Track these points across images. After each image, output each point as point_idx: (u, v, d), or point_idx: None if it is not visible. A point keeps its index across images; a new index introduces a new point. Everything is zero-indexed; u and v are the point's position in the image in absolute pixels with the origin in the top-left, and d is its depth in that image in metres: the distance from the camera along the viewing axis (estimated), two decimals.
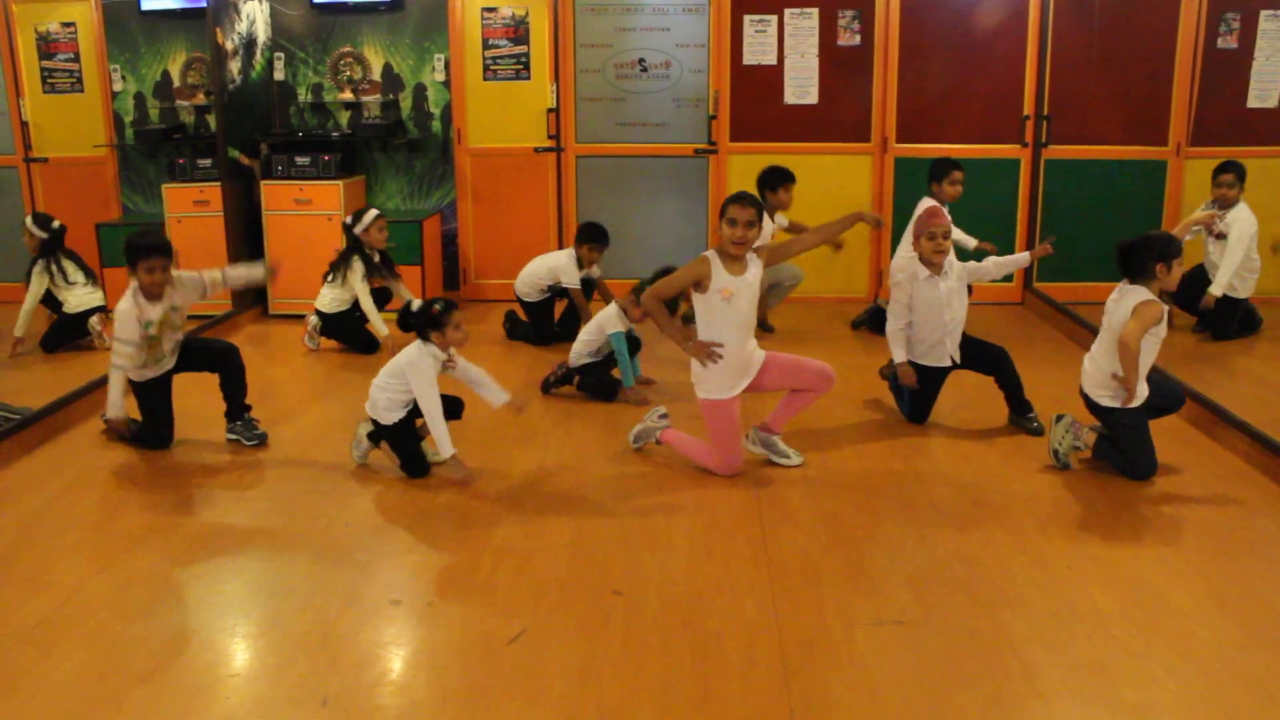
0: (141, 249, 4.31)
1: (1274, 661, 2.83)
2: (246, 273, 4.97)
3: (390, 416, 4.15)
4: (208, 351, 4.66)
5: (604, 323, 5.18)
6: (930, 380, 4.74)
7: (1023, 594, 3.20)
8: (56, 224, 6.00)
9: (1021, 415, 4.72)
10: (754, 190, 6.04)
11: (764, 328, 6.42)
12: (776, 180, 6.25)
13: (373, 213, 6.08)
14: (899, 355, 4.73)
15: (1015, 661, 2.83)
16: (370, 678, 2.79)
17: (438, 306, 4.10)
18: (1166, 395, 4.25)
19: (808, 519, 3.78)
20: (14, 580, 3.33)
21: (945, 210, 4.85)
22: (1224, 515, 3.81)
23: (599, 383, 5.17)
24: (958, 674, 2.79)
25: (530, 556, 3.48)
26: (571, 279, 6.15)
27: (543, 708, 2.66)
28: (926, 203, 5.92)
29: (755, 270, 4.06)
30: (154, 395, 4.49)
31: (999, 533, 3.65)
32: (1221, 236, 6.01)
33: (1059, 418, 4.26)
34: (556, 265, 6.20)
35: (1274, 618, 3.07)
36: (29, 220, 6.00)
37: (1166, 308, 4.02)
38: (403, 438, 4.19)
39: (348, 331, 6.09)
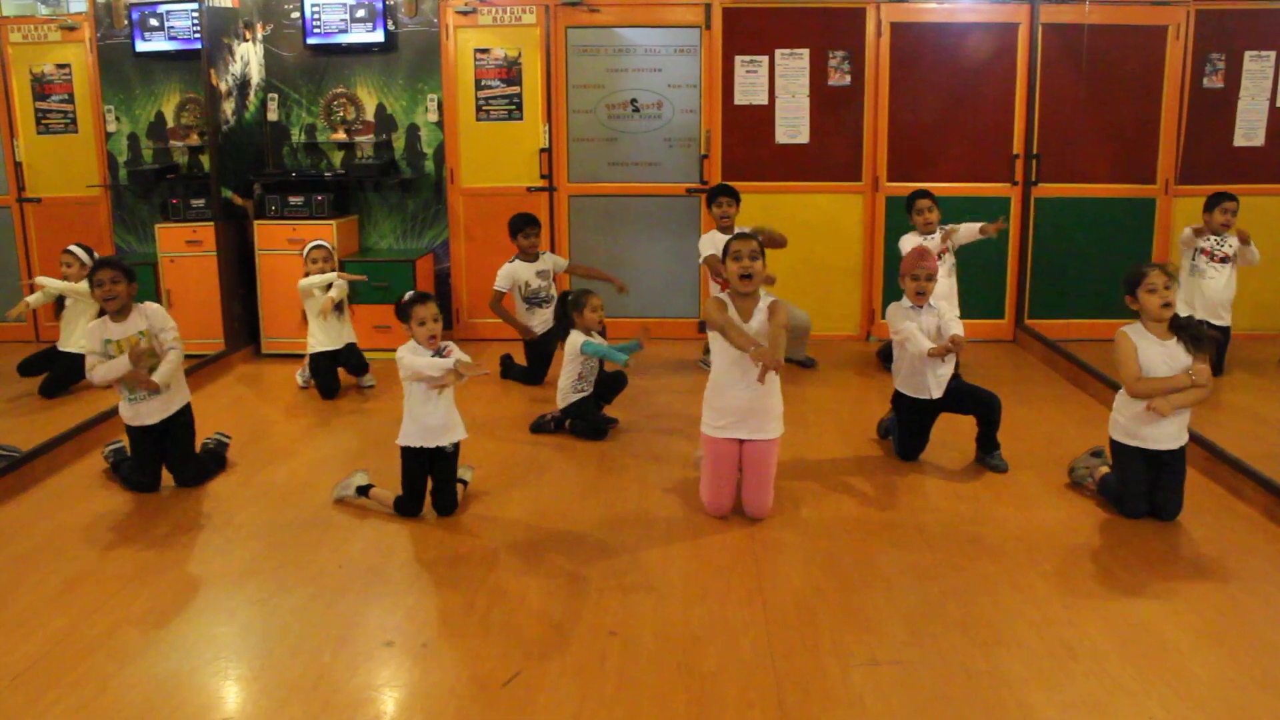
0: (95, 266, 4.44)
1: (1271, 700, 2.82)
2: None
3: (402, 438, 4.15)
4: (183, 458, 4.57)
5: (571, 348, 5.22)
6: (914, 414, 4.75)
7: (1019, 633, 3.19)
8: (98, 256, 5.89)
9: (988, 454, 4.75)
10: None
11: (804, 364, 6.48)
12: (710, 196, 6.39)
13: (309, 244, 6.12)
14: (923, 345, 4.55)
15: (1012, 701, 2.82)
16: None
17: (406, 297, 4.14)
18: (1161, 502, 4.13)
19: (802, 559, 3.77)
20: (3, 624, 3.30)
21: (934, 254, 4.88)
22: (1219, 552, 3.81)
23: (589, 426, 5.17)
24: (954, 714, 2.77)
25: (525, 597, 3.46)
26: (503, 281, 6.31)
27: None
28: (909, 240, 6.04)
29: (760, 320, 3.99)
30: (143, 445, 4.48)
31: (994, 571, 3.64)
32: (1226, 260, 6.06)
33: (1097, 451, 4.37)
34: (501, 274, 6.34)
35: (1271, 655, 3.06)
36: (76, 248, 5.88)
37: (1135, 328, 4.06)
38: (410, 468, 4.16)
39: (331, 371, 6.04)
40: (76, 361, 5.89)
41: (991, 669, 2.98)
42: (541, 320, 6.30)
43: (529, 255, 6.33)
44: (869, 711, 2.78)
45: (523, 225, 6.34)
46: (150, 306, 4.50)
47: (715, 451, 4.11)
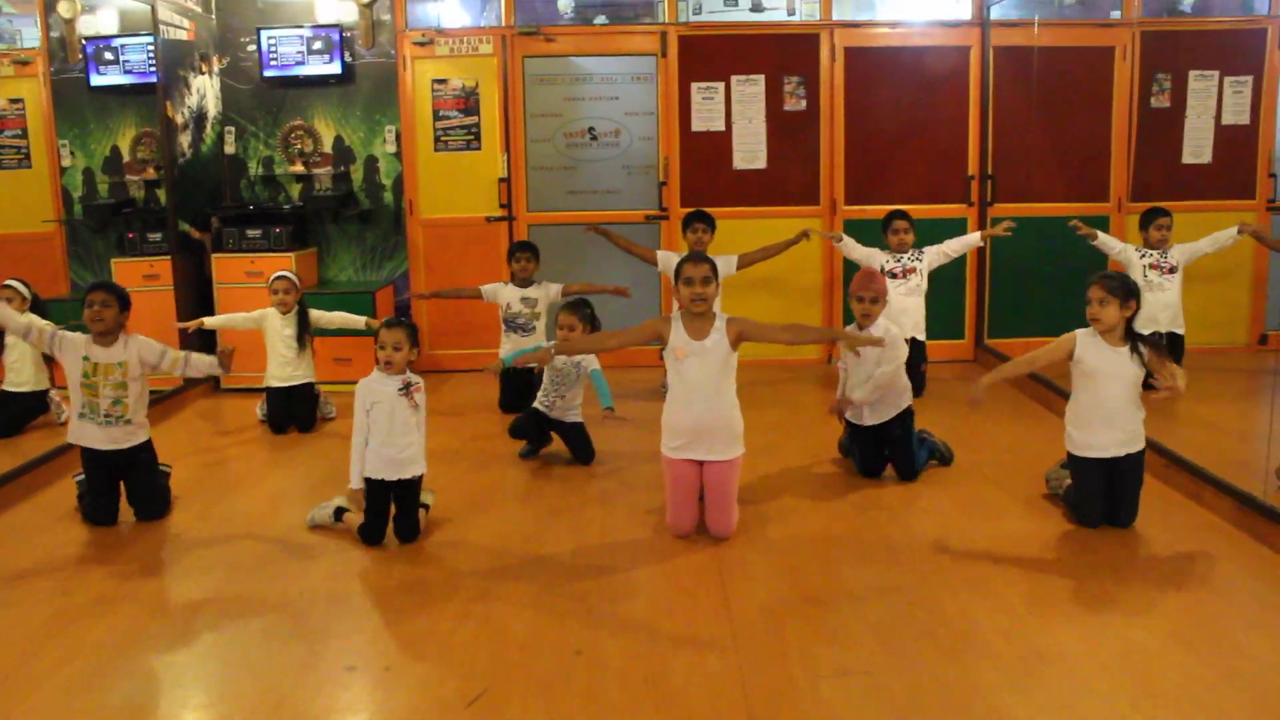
0: (90, 288, 4.42)
1: (1240, 698, 2.83)
2: (208, 366, 4.68)
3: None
4: (147, 494, 4.49)
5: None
6: (867, 436, 4.77)
7: (987, 640, 3.18)
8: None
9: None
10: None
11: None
12: (685, 222, 6.45)
13: (274, 275, 6.05)
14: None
15: (983, 707, 2.81)
16: None
17: (379, 322, 4.19)
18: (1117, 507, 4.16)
19: (768, 574, 3.75)
20: None
21: (881, 276, 4.91)
22: (1182, 556, 3.83)
23: (518, 422, 5.23)
24: None
25: (489, 620, 3.42)
26: (485, 287, 6.40)
27: None
28: (875, 255, 6.14)
29: (716, 339, 3.99)
30: (98, 479, 4.40)
31: (960, 580, 3.64)
32: (1174, 270, 6.15)
33: (1064, 463, 4.33)
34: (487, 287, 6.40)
35: (1239, 655, 3.07)
36: (16, 282, 5.70)
37: (1087, 330, 4.08)
38: (371, 496, 4.11)
39: (283, 406, 5.98)
40: (26, 401, 5.81)
41: (962, 676, 2.97)
42: (514, 345, 6.23)
43: (519, 281, 6.32)
44: None
45: (513, 251, 6.43)
46: (140, 339, 4.44)
47: (674, 473, 4.09)
